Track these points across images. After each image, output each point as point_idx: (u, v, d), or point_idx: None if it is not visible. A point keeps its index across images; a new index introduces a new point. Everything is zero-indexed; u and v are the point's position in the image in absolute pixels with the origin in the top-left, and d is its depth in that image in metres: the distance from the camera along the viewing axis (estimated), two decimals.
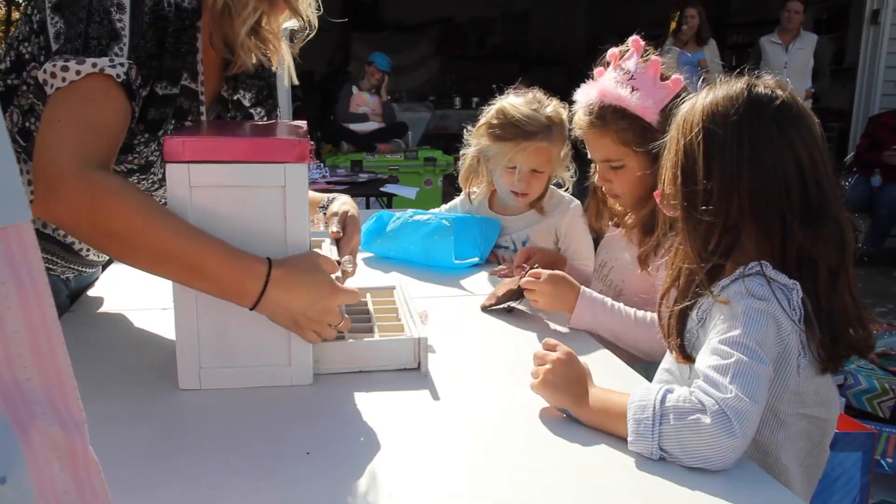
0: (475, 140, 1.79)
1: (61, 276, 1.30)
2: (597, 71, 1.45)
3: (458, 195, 2.01)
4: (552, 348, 1.02)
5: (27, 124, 1.13)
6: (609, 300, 1.39)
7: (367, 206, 4.12)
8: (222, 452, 0.87)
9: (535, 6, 11.44)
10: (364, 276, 1.69)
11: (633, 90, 1.37)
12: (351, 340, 1.13)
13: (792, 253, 0.95)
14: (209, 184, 0.99)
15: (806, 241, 0.94)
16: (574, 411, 0.95)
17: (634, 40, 1.40)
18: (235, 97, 1.29)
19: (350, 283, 1.31)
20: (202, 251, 0.97)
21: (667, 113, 1.32)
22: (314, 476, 0.83)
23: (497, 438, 0.93)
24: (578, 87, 1.53)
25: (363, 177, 4.19)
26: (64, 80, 0.98)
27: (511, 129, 1.69)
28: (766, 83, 1.00)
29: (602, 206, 1.58)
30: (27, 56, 1.09)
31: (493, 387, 1.09)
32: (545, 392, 0.98)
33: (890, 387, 2.75)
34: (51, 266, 1.24)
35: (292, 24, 1.21)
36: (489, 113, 1.75)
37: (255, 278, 0.97)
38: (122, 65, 1.00)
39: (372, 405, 1.01)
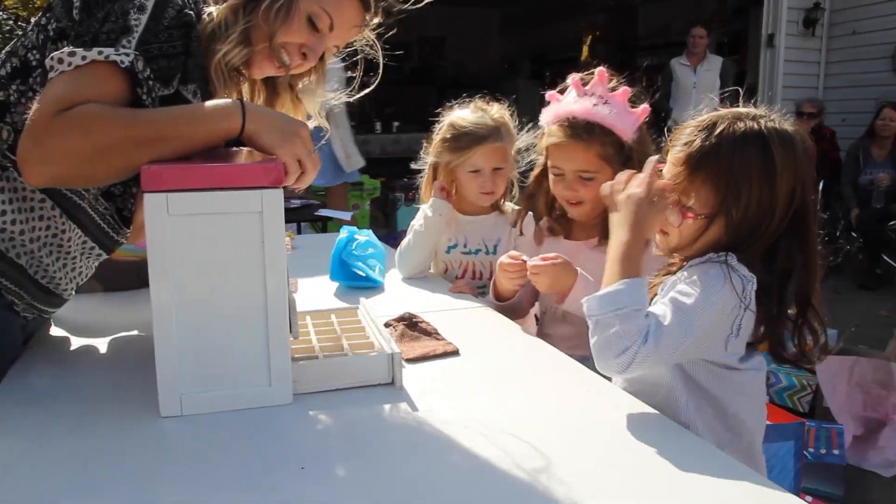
0: (433, 156, 1.91)
1: (21, 314, 1.24)
2: (549, 94, 1.57)
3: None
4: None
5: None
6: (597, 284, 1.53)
7: (299, 232, 4.11)
8: (218, 473, 0.89)
9: (451, 31, 11.67)
10: (325, 299, 1.74)
11: (611, 111, 1.51)
12: (326, 360, 1.16)
13: (778, 261, 1.11)
14: (187, 212, 1.01)
15: (792, 251, 1.11)
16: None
17: (600, 72, 1.53)
18: None
19: (314, 305, 1.34)
20: (184, 109, 1.11)
21: (641, 134, 1.49)
22: (314, 489, 0.85)
23: (477, 443, 0.97)
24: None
25: (295, 203, 4.18)
26: (70, 64, 1.02)
27: (466, 139, 1.83)
28: (782, 121, 1.15)
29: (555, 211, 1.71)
30: (34, 63, 1.12)
31: (465, 396, 1.14)
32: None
33: (807, 383, 2.95)
34: (15, 300, 1.20)
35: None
36: (441, 129, 1.88)
37: (234, 104, 1.10)
38: (126, 54, 1.05)
39: (354, 420, 1.05)
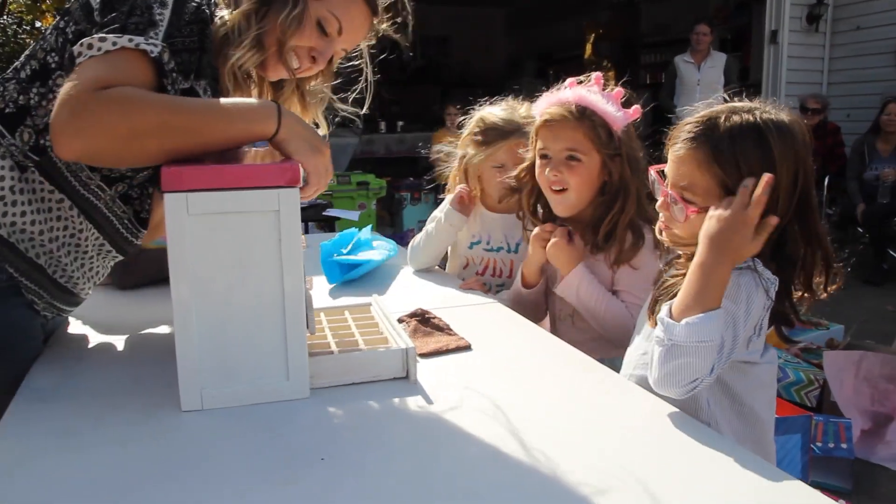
0: (460, 150, 1.95)
1: (41, 313, 1.26)
2: (545, 94, 1.62)
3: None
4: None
5: (42, 142, 1.15)
6: (595, 278, 1.60)
7: (307, 232, 4.14)
8: (240, 464, 0.91)
9: (455, 30, 11.68)
10: (338, 296, 1.76)
11: (603, 100, 1.56)
12: (342, 355, 1.18)
13: (787, 250, 1.12)
14: (206, 211, 1.03)
15: (801, 240, 1.13)
16: None
17: (597, 76, 1.58)
18: None
19: (327, 302, 1.36)
20: (221, 104, 1.11)
21: (628, 133, 1.53)
22: (335, 479, 0.88)
23: (493, 436, 0.99)
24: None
25: (303, 203, 4.21)
26: (100, 49, 1.05)
27: (492, 133, 1.86)
28: (778, 112, 1.16)
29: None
30: (53, 66, 1.14)
31: (478, 390, 1.16)
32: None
33: (814, 377, 2.96)
34: (35, 299, 1.23)
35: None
36: (470, 123, 1.92)
37: (270, 107, 1.12)
38: (155, 45, 1.07)
39: (371, 413, 1.07)
